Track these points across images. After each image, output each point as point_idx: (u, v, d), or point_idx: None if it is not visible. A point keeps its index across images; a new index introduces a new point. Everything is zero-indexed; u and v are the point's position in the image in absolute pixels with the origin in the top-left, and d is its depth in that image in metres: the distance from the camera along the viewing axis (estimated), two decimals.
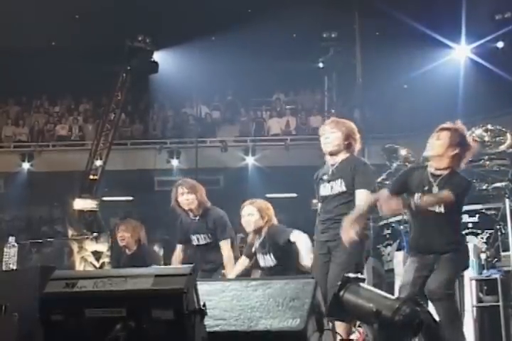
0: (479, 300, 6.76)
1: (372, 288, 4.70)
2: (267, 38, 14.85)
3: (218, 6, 14.51)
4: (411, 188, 4.85)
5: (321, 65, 15.20)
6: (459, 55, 14.96)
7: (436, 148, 4.81)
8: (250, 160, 16.83)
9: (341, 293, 4.30)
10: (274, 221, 5.98)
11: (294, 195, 16.07)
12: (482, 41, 14.24)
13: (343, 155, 5.09)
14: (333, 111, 15.26)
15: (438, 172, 4.82)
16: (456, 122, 4.90)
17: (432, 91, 14.79)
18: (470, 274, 6.78)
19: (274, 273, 5.71)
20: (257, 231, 5.88)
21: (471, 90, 13.58)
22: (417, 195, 4.78)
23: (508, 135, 7.52)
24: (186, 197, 6.16)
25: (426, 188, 4.78)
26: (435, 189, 4.76)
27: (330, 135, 5.05)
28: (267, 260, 5.84)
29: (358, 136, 5.17)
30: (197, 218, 6.23)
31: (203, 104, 18.49)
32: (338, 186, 5.02)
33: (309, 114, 18.22)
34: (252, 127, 18.24)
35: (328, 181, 5.09)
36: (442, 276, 4.70)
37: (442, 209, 4.72)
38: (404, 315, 4.18)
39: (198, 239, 6.21)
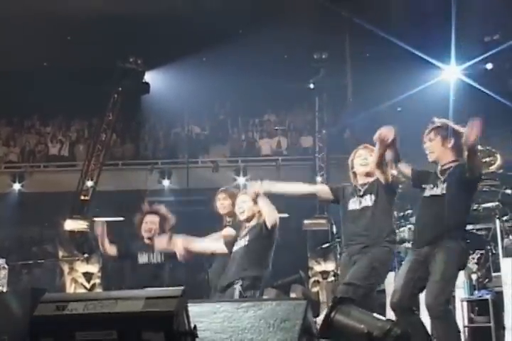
0: (471, 320, 6.77)
1: (363, 309, 4.70)
2: (258, 58, 14.91)
3: (209, 27, 14.58)
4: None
5: (311, 85, 15.28)
6: (449, 76, 15.05)
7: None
8: (242, 181, 16.82)
9: (332, 314, 4.30)
10: None
11: (286, 215, 16.07)
12: (471, 62, 14.33)
13: (374, 177, 5.40)
14: (324, 131, 15.33)
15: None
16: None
17: (422, 111, 14.83)
18: (461, 295, 6.79)
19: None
20: (250, 218, 5.93)
21: (460, 111, 13.64)
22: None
23: (498, 156, 7.58)
24: (222, 202, 6.49)
25: None
26: None
27: (368, 157, 5.43)
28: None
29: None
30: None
31: (194, 124, 18.52)
32: (368, 201, 5.33)
33: (300, 134, 18.26)
34: (243, 147, 18.27)
35: (358, 197, 5.39)
36: (436, 285, 4.71)
37: None
38: (395, 337, 4.19)
39: None
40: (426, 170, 5.20)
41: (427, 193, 5.02)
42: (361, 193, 5.37)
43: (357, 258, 5.15)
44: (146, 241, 7.01)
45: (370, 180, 5.40)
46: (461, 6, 13.48)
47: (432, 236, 4.85)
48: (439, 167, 5.05)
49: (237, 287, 5.47)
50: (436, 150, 5.06)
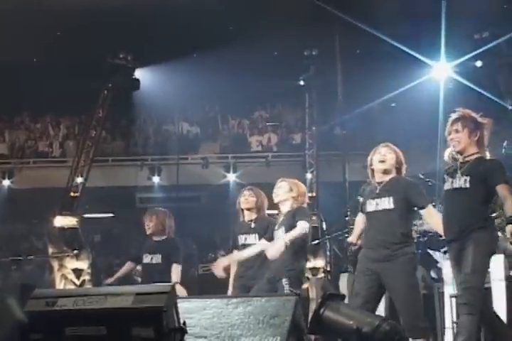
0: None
1: (352, 306, 4.72)
2: (248, 55, 14.90)
3: (200, 24, 14.57)
4: None
5: (301, 82, 15.28)
6: (439, 73, 15.08)
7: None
8: (232, 177, 16.84)
9: (321, 310, 4.32)
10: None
11: (275, 211, 16.09)
12: (461, 60, 14.36)
13: (392, 175, 5.44)
14: (314, 128, 15.33)
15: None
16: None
17: (413, 108, 14.90)
18: (450, 291, 6.81)
19: None
20: (283, 201, 6.24)
21: (450, 108, 13.68)
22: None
23: (486, 153, 7.60)
24: (246, 197, 6.79)
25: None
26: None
27: (387, 155, 5.44)
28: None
29: (405, 165, 5.53)
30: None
31: (184, 121, 18.51)
32: (387, 204, 5.30)
33: (290, 130, 18.28)
34: (233, 144, 18.27)
35: (374, 198, 5.38)
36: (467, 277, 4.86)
37: None
38: (384, 333, 4.20)
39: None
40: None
41: (449, 186, 5.10)
42: (378, 192, 5.38)
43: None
44: (156, 237, 7.40)
45: (388, 178, 5.42)
46: (450, 3, 13.52)
47: (461, 229, 4.94)
48: (461, 158, 5.15)
49: (284, 282, 5.72)
50: (463, 142, 5.12)
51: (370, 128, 16.20)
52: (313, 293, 10.92)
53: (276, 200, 6.27)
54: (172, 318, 3.21)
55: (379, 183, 5.41)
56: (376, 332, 4.18)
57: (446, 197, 5.18)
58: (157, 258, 7.25)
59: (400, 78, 14.55)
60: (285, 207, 6.20)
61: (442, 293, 6.90)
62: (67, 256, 13.93)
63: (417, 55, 14.17)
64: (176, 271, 7.07)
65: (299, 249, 5.91)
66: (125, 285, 3.67)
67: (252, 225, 6.72)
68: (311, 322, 4.36)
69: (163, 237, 7.39)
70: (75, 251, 13.99)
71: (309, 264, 13.35)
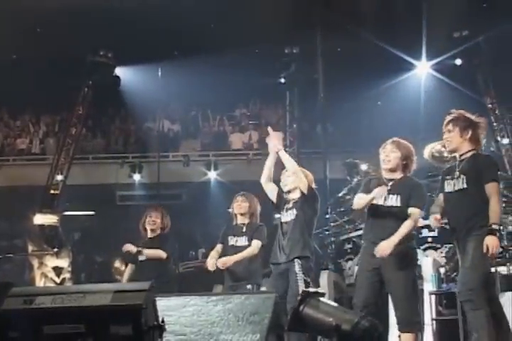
0: (439, 313, 6.84)
1: (331, 303, 4.73)
2: (229, 52, 14.89)
3: (181, 21, 14.52)
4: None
5: (282, 80, 15.29)
6: (420, 71, 15.16)
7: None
8: (213, 175, 16.82)
9: (301, 307, 4.32)
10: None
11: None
12: (441, 58, 14.45)
13: (399, 174, 5.51)
14: (294, 126, 15.35)
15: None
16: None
17: (394, 106, 14.96)
18: (429, 288, 6.86)
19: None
20: (292, 190, 6.45)
21: (431, 106, 13.75)
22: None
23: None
24: (239, 203, 7.03)
25: None
26: None
27: (390, 154, 5.51)
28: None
29: (415, 157, 5.62)
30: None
31: (165, 119, 18.45)
32: (394, 201, 5.42)
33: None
34: (214, 142, 18.24)
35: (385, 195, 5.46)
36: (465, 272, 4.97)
37: None
38: (363, 329, 4.22)
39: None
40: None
41: (451, 188, 5.19)
42: (387, 190, 5.43)
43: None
44: (150, 234, 7.70)
45: (396, 176, 5.50)
46: (431, 2, 13.60)
47: (464, 231, 5.03)
48: (458, 157, 5.26)
49: (297, 264, 6.02)
50: (454, 141, 5.23)
51: (351, 126, 16.25)
52: None
53: (285, 189, 6.43)
54: (151, 316, 3.20)
55: (388, 180, 5.51)
56: (355, 329, 4.19)
57: (448, 199, 5.26)
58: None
59: (382, 76, 14.61)
60: (294, 195, 6.36)
61: (422, 290, 6.94)
62: (47, 254, 13.89)
63: (399, 54, 14.25)
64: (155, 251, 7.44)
65: (304, 227, 6.23)
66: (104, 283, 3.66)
67: (244, 229, 6.97)
68: (291, 320, 4.36)
69: (157, 234, 7.70)
70: (55, 249, 13.95)
71: None
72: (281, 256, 6.17)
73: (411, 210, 5.33)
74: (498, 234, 4.84)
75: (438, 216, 5.25)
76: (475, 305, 4.82)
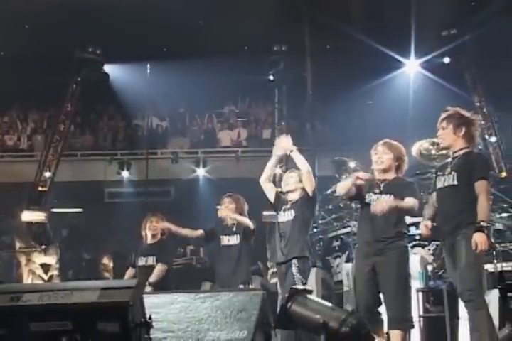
0: (426, 310, 6.87)
1: (319, 300, 4.75)
2: (218, 49, 14.87)
3: (170, 18, 14.49)
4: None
5: (271, 77, 15.28)
6: (409, 69, 15.19)
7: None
8: (201, 172, 16.79)
9: (289, 304, 4.33)
10: None
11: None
12: (430, 56, 14.48)
13: (392, 175, 5.58)
14: (283, 123, 15.34)
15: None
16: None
17: (383, 104, 14.99)
18: (417, 285, 6.88)
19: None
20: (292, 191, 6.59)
21: (420, 104, 13.80)
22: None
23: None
24: (226, 205, 7.27)
25: None
26: None
27: (383, 155, 5.59)
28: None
29: (406, 158, 5.71)
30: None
31: (154, 116, 18.41)
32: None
33: (260, 126, 18.27)
34: (202, 139, 18.22)
35: (376, 194, 5.54)
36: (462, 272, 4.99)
37: None
38: (350, 327, 4.23)
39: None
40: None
41: (441, 184, 5.22)
42: (380, 190, 5.50)
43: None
44: (150, 240, 7.87)
45: (389, 177, 5.56)
46: (419, 0, 13.62)
47: (452, 227, 5.05)
48: (451, 154, 5.30)
49: (294, 265, 6.11)
50: (448, 139, 5.26)
51: (340, 124, 16.25)
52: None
53: (285, 189, 6.58)
54: (138, 313, 3.20)
55: (381, 180, 5.56)
56: (343, 326, 4.21)
57: (439, 195, 5.29)
58: (151, 260, 7.68)
59: (371, 74, 14.63)
60: (294, 195, 6.48)
61: (409, 287, 6.95)
62: (35, 251, 13.87)
63: (388, 52, 14.27)
64: (156, 270, 7.51)
65: (301, 227, 6.37)
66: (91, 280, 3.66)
67: (234, 229, 7.20)
68: (279, 317, 4.38)
69: (157, 239, 7.85)
70: (43, 246, 13.92)
71: None
72: (280, 257, 6.28)
73: (407, 199, 5.38)
74: (486, 231, 4.83)
75: (429, 224, 5.31)
76: (476, 305, 4.84)
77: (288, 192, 6.53)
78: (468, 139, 5.23)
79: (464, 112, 5.32)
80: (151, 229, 7.83)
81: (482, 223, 4.82)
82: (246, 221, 7.10)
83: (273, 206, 6.64)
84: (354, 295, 5.51)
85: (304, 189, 6.44)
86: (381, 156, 5.57)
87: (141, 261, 7.71)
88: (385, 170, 5.57)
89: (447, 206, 5.17)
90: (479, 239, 4.77)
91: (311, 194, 6.36)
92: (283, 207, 6.48)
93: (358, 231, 5.76)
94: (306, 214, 6.37)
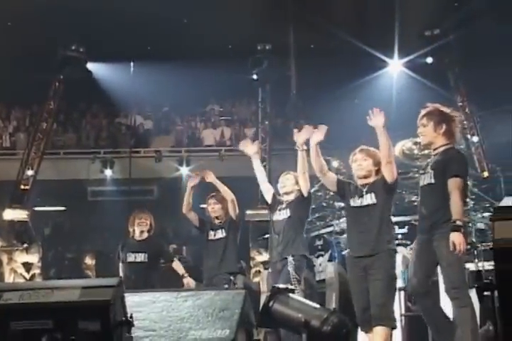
0: (408, 309, 6.89)
1: (301, 299, 4.76)
2: (202, 48, 14.86)
3: (154, 16, 14.47)
4: None
5: (255, 76, 15.28)
6: (393, 69, 15.25)
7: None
8: (185, 171, 16.77)
9: (270, 303, 4.34)
10: None
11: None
12: (413, 56, 14.54)
13: (373, 178, 5.64)
14: (266, 122, 15.34)
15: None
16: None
17: (366, 103, 15.01)
18: (399, 284, 6.90)
19: None
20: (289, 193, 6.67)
21: (403, 103, 13.85)
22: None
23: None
24: (212, 206, 7.42)
25: None
26: None
27: (363, 162, 5.68)
28: None
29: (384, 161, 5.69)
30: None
31: (137, 114, 18.37)
32: (369, 199, 5.58)
33: (244, 125, 18.27)
34: (186, 138, 18.20)
35: (360, 196, 5.63)
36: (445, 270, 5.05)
37: None
38: (332, 325, 4.25)
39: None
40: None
41: (422, 182, 5.26)
42: (363, 193, 5.59)
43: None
44: (139, 236, 7.93)
45: (370, 180, 5.63)
46: (403, 0, 13.67)
47: (427, 225, 5.08)
48: (432, 151, 5.32)
49: (290, 264, 6.16)
50: (429, 136, 5.27)
51: (323, 123, 16.26)
52: (264, 287, 10.97)
53: (282, 191, 6.66)
54: (119, 311, 3.20)
55: (363, 185, 5.63)
56: (324, 325, 4.22)
57: (420, 194, 5.35)
58: (142, 257, 7.74)
59: (355, 74, 14.67)
60: (289, 197, 6.59)
61: (395, 290, 6.98)
62: (17, 249, 13.79)
63: (371, 51, 14.31)
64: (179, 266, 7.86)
65: (296, 226, 6.48)
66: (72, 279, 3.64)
67: (220, 223, 7.37)
68: (261, 315, 4.38)
69: (146, 236, 7.91)
70: (25, 245, 13.84)
71: (261, 258, 13.41)
72: (275, 255, 6.42)
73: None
74: (462, 230, 4.83)
75: None
76: (461, 302, 4.86)
77: (285, 193, 6.64)
78: (449, 136, 5.24)
79: (444, 108, 5.33)
80: (141, 225, 7.88)
81: (458, 222, 4.81)
82: (225, 188, 7.29)
83: (269, 207, 6.75)
84: (352, 297, 5.53)
85: (299, 190, 6.55)
86: (361, 163, 5.67)
87: (130, 258, 7.73)
88: (365, 176, 5.65)
89: (424, 205, 5.21)
90: (457, 240, 4.76)
91: (305, 194, 6.48)
92: (278, 207, 6.62)
93: (347, 233, 5.85)
94: (301, 214, 6.51)
